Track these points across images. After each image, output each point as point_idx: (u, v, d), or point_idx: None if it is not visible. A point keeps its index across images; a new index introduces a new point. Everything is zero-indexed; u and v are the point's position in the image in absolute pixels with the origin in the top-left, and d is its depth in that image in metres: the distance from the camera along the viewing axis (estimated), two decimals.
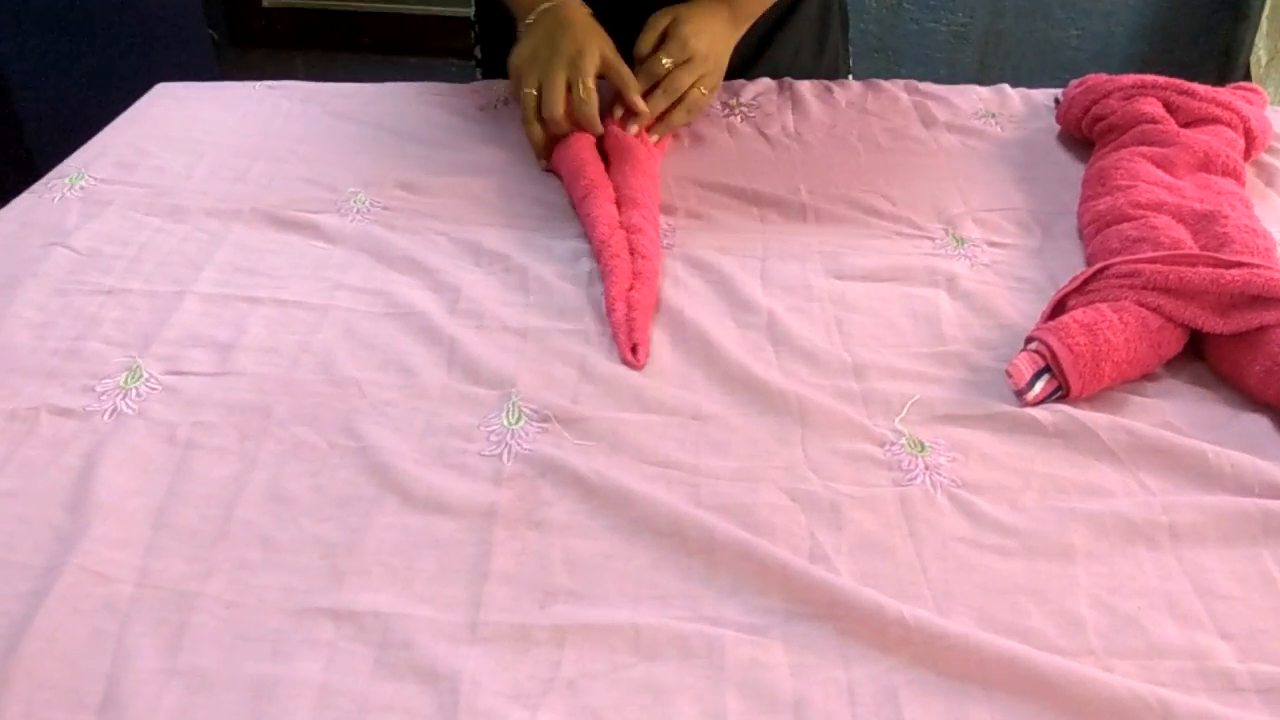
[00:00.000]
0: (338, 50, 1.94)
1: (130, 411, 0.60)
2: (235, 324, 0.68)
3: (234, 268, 0.74)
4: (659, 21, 0.89)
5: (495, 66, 1.06)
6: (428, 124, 0.94)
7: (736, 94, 1.00)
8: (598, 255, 0.74)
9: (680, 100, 0.88)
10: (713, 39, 0.88)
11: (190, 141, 0.91)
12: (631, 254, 0.73)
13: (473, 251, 0.76)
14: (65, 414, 0.60)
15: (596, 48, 0.85)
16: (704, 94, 0.88)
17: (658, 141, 0.88)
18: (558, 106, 0.84)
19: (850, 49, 1.17)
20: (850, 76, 1.13)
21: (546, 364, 0.66)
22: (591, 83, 0.85)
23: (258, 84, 1.01)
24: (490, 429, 0.60)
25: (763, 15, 0.96)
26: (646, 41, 0.89)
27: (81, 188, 0.83)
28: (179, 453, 0.58)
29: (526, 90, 0.85)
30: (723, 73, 0.92)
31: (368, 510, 0.54)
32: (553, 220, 0.81)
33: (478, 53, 1.14)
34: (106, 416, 0.60)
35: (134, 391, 0.62)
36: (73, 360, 0.64)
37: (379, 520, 0.53)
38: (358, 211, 0.80)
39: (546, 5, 0.88)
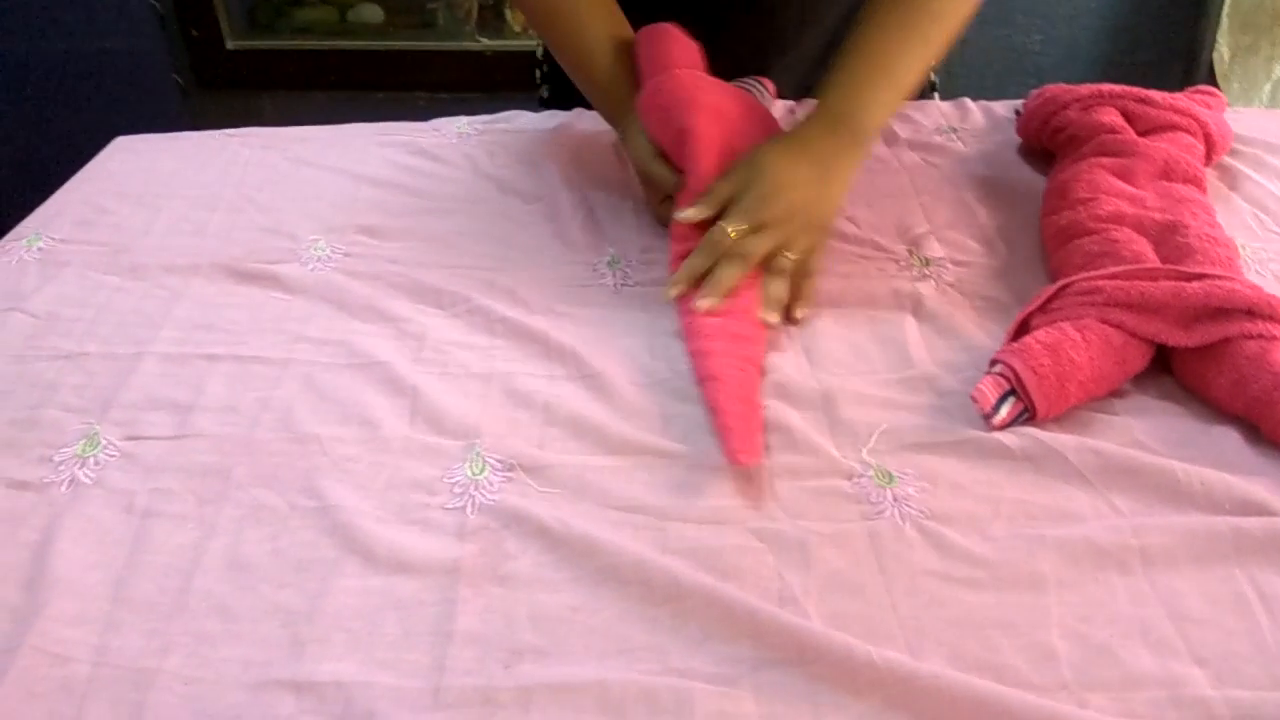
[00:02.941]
0: (305, 89, 1.94)
1: (88, 481, 0.60)
2: (194, 384, 0.67)
3: (193, 325, 0.73)
4: (738, 172, 0.75)
5: (562, 104, 1.04)
6: (388, 165, 0.93)
7: None
8: (701, 364, 0.66)
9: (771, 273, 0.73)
10: (800, 197, 0.74)
11: (148, 196, 0.90)
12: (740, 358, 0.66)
13: (435, 295, 0.76)
14: (22, 487, 0.59)
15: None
16: (790, 258, 0.73)
17: (766, 318, 0.72)
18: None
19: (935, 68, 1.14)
20: (937, 95, 1.10)
21: (511, 409, 0.65)
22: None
23: (216, 133, 1.01)
24: (454, 480, 0.59)
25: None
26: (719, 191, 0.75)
27: (40, 249, 0.82)
28: (137, 522, 0.57)
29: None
30: (822, 224, 0.77)
31: (328, 574, 0.53)
32: (515, 258, 0.80)
33: (544, 92, 1.12)
34: (64, 487, 0.59)
35: (92, 459, 0.61)
36: (30, 430, 0.63)
37: (339, 584, 0.52)
38: (318, 260, 0.80)
39: (628, 123, 0.84)
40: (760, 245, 0.72)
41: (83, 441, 0.62)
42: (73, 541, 0.55)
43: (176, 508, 0.57)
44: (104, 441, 0.62)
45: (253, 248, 0.81)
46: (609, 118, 0.90)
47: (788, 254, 0.73)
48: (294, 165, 0.94)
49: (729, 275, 0.71)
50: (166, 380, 0.67)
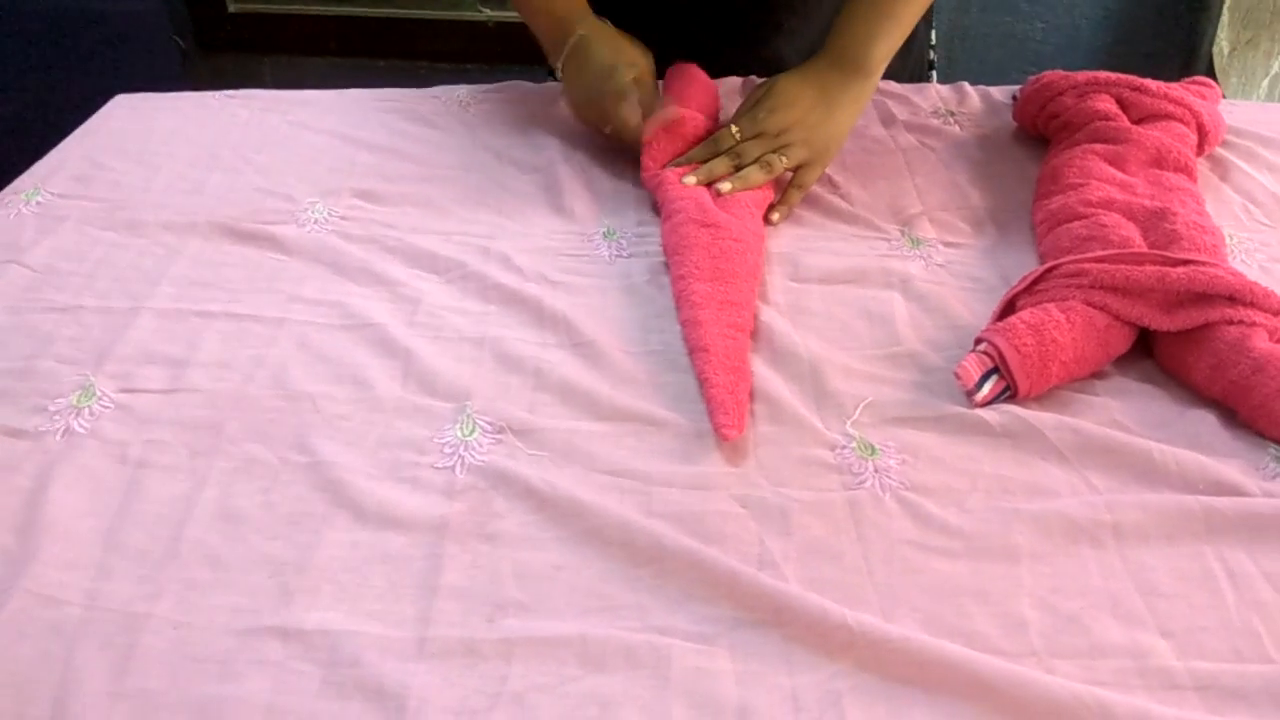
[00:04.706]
0: (306, 54, 1.93)
1: (82, 431, 0.60)
2: (189, 339, 0.67)
3: (189, 282, 0.73)
4: (755, 93, 0.86)
5: None
6: (386, 130, 0.94)
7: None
8: (693, 333, 0.68)
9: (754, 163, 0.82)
10: (801, 113, 0.83)
11: (147, 154, 0.90)
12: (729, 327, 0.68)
13: (430, 260, 0.76)
14: (17, 435, 0.60)
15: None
16: (783, 161, 0.82)
17: (731, 190, 0.81)
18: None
19: (935, 47, 1.15)
20: (935, 76, 1.12)
21: (502, 373, 0.66)
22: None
23: (216, 93, 1.01)
24: (444, 441, 0.60)
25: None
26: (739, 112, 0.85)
27: (38, 203, 0.83)
28: (130, 472, 0.58)
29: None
30: (821, 148, 0.84)
31: (318, 527, 0.54)
32: (511, 226, 0.81)
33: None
34: (58, 436, 0.60)
35: (86, 410, 0.62)
36: (26, 380, 0.64)
37: (329, 537, 0.54)
38: (315, 222, 0.80)
39: (575, 40, 0.87)
40: (757, 148, 0.82)
41: (78, 392, 0.63)
42: (66, 489, 0.56)
43: (169, 459, 0.58)
44: (99, 393, 0.63)
45: (250, 208, 0.82)
46: (556, 36, 0.89)
47: (782, 158, 0.82)
48: (293, 128, 0.94)
49: (721, 165, 0.81)
50: (162, 335, 0.68)
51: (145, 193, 0.84)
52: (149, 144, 0.92)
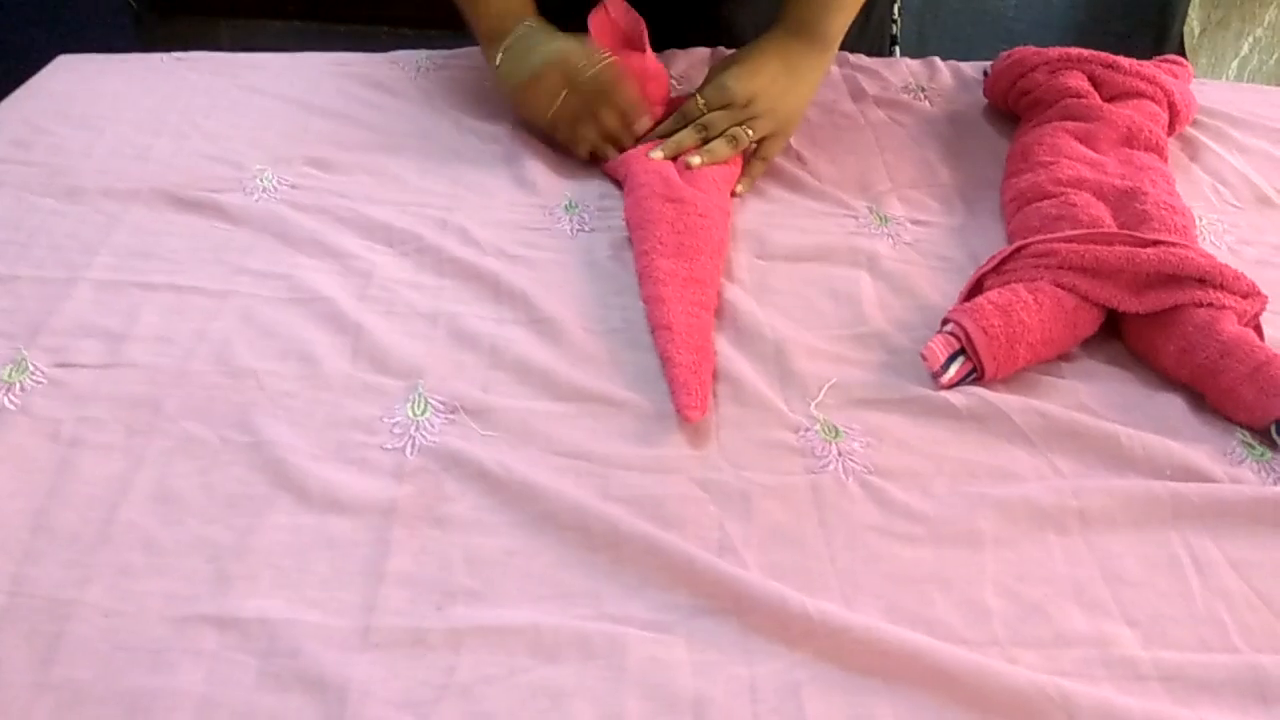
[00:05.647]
0: (264, 18, 1.87)
1: (13, 407, 0.57)
2: (128, 312, 0.64)
3: (130, 252, 0.70)
4: (719, 64, 0.85)
5: None
6: (341, 96, 0.90)
7: (669, 65, 0.98)
8: (656, 310, 0.66)
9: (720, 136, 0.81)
10: (766, 82, 0.82)
11: (91, 117, 0.86)
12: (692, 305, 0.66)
13: (384, 231, 0.74)
14: None
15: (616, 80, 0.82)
16: (749, 134, 0.80)
17: (700, 165, 0.79)
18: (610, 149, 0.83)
19: (899, 19, 1.14)
20: (898, 50, 1.10)
21: (457, 351, 0.63)
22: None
23: (164, 55, 0.97)
24: (394, 421, 0.58)
25: None
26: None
27: None
28: (62, 451, 0.55)
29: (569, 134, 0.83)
30: (785, 119, 0.83)
31: (259, 510, 0.52)
32: (470, 199, 0.78)
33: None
34: None
35: (18, 385, 0.59)
36: None
37: (270, 520, 0.51)
38: (264, 190, 0.77)
39: (520, 30, 0.83)
40: (724, 120, 0.81)
41: (9, 367, 0.60)
42: None
43: (104, 438, 0.56)
44: (31, 367, 0.60)
45: (196, 175, 0.78)
46: (493, 30, 0.85)
47: (748, 131, 0.81)
48: (244, 93, 0.91)
49: (688, 138, 0.81)
50: (99, 308, 0.65)
51: (86, 158, 0.81)
52: (92, 107, 0.88)
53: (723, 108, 0.81)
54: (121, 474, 0.53)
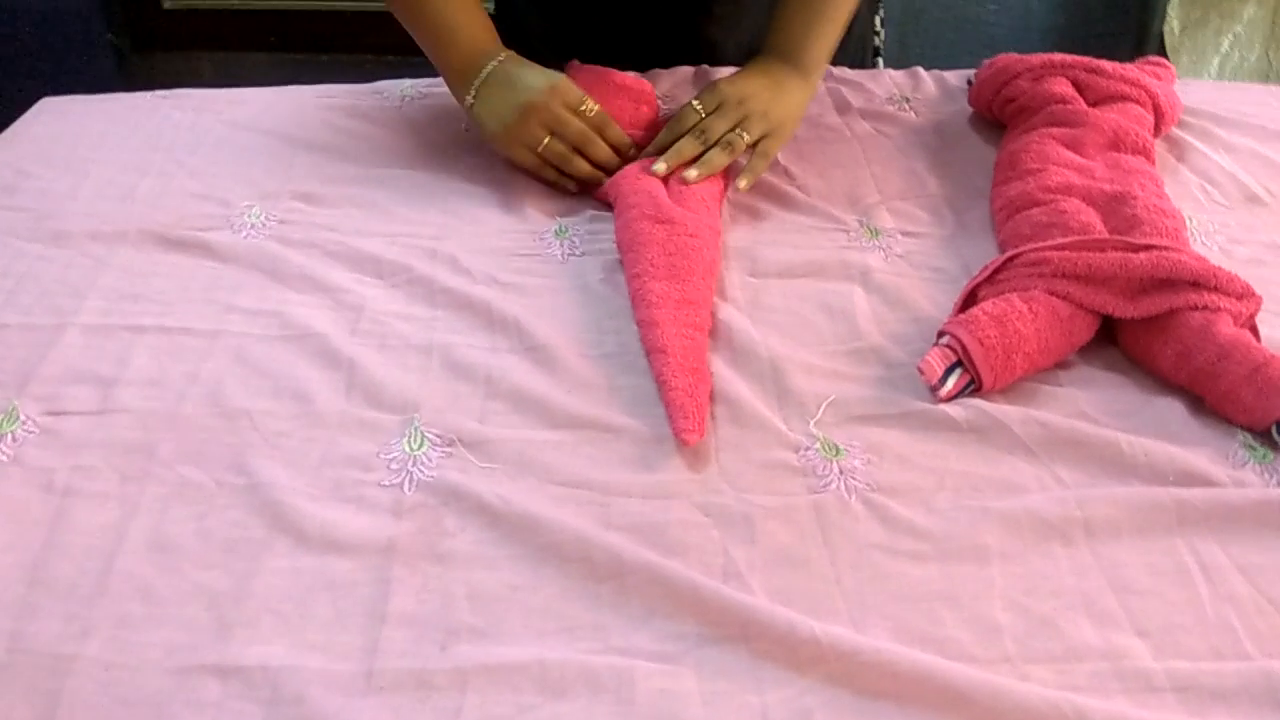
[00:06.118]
0: (246, 50, 1.88)
1: (5, 458, 0.57)
2: (118, 356, 0.64)
3: (119, 294, 0.70)
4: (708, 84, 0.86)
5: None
6: (327, 129, 0.90)
7: (655, 83, 0.98)
8: (650, 334, 0.65)
9: (717, 144, 0.81)
10: (757, 88, 0.83)
11: (75, 159, 0.86)
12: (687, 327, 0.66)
13: (374, 264, 0.73)
14: None
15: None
16: (744, 138, 0.81)
17: (696, 179, 0.79)
18: (583, 167, 0.82)
19: (882, 31, 1.14)
20: (881, 62, 1.10)
21: (451, 382, 0.63)
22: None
23: (147, 94, 0.97)
24: (391, 456, 0.57)
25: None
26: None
27: None
28: (56, 501, 0.54)
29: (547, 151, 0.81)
30: (778, 123, 0.83)
31: (256, 554, 0.51)
32: (459, 227, 0.78)
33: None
34: None
35: (9, 436, 0.58)
36: None
37: (269, 564, 0.51)
38: (252, 227, 0.77)
39: (493, 66, 0.82)
40: (720, 125, 0.81)
41: (0, 417, 0.59)
42: None
43: (98, 486, 0.55)
44: (22, 417, 0.59)
45: (183, 214, 0.78)
46: (464, 66, 0.84)
47: (742, 134, 0.81)
48: (228, 129, 0.91)
49: (688, 146, 0.81)
50: (89, 353, 0.64)
51: (72, 201, 0.80)
52: (76, 149, 0.88)
53: (717, 108, 0.82)
54: (117, 523, 0.53)
